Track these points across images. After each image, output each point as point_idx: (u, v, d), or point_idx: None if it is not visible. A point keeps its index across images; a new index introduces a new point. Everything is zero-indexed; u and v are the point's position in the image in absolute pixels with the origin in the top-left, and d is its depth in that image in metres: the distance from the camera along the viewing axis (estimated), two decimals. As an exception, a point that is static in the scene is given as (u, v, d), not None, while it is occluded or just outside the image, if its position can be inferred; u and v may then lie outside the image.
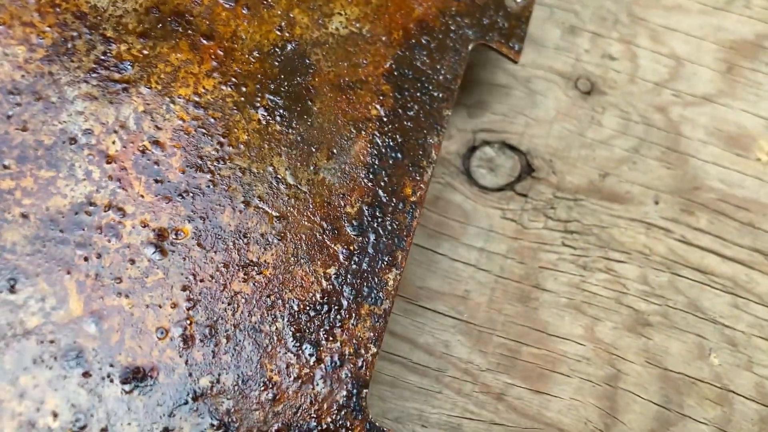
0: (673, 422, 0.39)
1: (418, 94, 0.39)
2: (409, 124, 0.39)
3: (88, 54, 0.35)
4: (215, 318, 0.33)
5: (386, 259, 0.36)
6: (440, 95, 0.39)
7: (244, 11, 0.38)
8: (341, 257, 0.36)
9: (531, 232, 0.43)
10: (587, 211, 0.44)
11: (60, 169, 0.33)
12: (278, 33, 0.38)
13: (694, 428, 0.39)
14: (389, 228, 0.37)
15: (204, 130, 0.36)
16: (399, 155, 0.38)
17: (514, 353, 0.41)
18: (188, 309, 0.33)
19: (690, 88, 0.46)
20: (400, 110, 0.39)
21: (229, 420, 0.32)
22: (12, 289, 0.31)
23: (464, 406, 0.40)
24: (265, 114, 0.37)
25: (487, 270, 0.43)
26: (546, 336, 0.41)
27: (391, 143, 0.39)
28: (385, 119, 0.39)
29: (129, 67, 0.36)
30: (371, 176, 0.37)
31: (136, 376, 0.31)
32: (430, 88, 0.39)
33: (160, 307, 0.33)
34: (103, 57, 0.35)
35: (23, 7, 0.35)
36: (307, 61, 0.39)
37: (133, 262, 0.33)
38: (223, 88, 0.37)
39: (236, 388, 0.32)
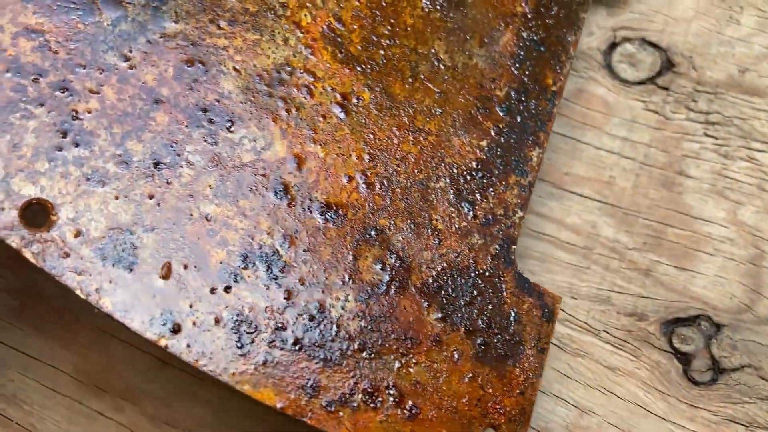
0: (818, 299, 0.41)
1: None
2: (550, 21, 0.42)
3: None
4: (390, 171, 0.38)
5: (531, 138, 0.40)
6: None
7: None
8: (492, 132, 0.40)
9: (673, 123, 0.45)
10: (728, 103, 0.45)
11: (263, 34, 0.37)
12: None
13: (838, 305, 0.40)
14: (533, 112, 0.41)
15: (378, 12, 0.39)
16: (541, 48, 0.42)
17: (660, 233, 0.43)
18: (369, 161, 0.37)
19: (828, -12, 0.47)
20: (542, 9, 0.42)
21: (404, 255, 0.37)
22: (230, 129, 0.36)
23: (612, 280, 0.42)
24: (428, 2, 0.41)
25: (631, 158, 0.44)
26: (690, 218, 0.43)
27: (535, 37, 0.42)
28: (529, 16, 0.42)
29: None
30: (517, 65, 0.41)
31: (330, 210, 0.36)
32: None
33: (346, 157, 0.37)
34: None
35: None
36: None
37: (324, 117, 0.37)
38: None
39: (408, 229, 0.37)
